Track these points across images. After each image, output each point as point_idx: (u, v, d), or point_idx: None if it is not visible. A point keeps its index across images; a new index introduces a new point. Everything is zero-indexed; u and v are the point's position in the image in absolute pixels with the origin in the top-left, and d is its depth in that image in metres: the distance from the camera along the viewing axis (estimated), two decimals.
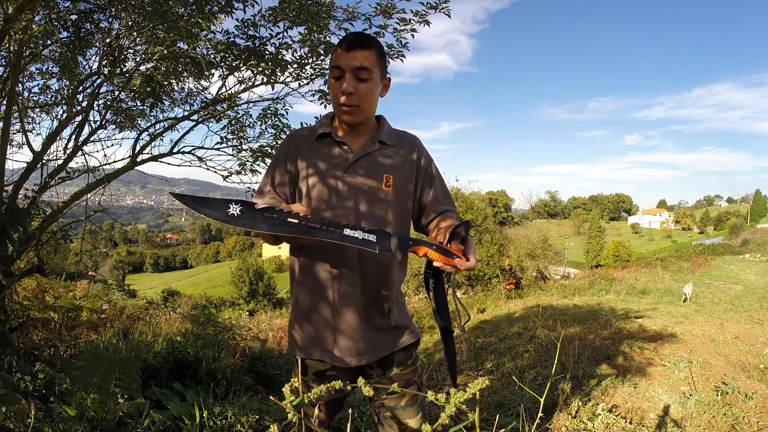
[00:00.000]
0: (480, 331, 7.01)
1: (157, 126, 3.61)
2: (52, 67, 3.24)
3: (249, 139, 3.83)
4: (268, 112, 3.69)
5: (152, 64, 3.19)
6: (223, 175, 3.84)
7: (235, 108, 3.74)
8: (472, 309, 11.15)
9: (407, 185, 1.28)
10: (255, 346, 4.65)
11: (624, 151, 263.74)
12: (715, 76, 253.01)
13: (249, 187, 3.83)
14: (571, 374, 3.43)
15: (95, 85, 3.28)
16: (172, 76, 3.26)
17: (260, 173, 3.80)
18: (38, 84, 3.33)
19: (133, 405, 2.18)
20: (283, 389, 0.64)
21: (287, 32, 3.13)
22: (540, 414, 1.19)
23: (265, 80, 3.39)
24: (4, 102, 2.66)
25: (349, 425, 0.82)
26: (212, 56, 3.23)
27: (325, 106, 3.55)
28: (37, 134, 4.90)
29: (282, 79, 3.43)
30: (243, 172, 3.81)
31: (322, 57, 3.25)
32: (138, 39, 3.04)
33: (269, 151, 3.72)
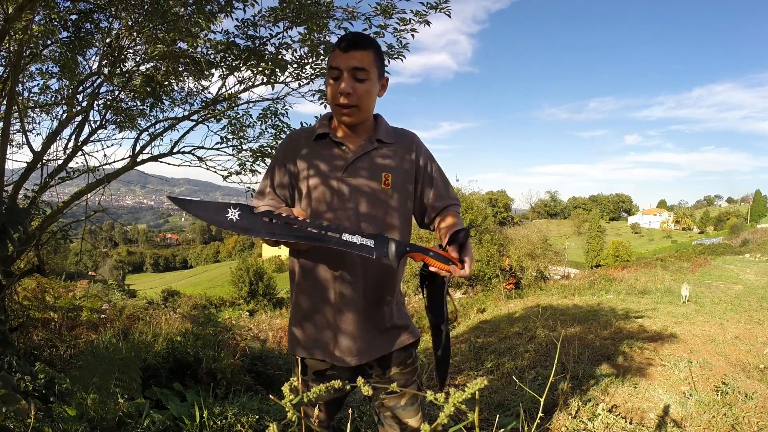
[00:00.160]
0: (480, 331, 7.01)
1: (157, 126, 3.61)
2: (52, 67, 3.24)
3: (249, 139, 3.83)
4: (268, 112, 3.68)
5: (152, 64, 3.19)
6: (223, 175, 3.84)
7: (235, 108, 3.74)
8: (472, 309, 11.15)
9: (406, 184, 1.28)
10: (255, 346, 4.65)
11: (624, 151, 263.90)
12: (715, 76, 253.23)
13: (249, 187, 3.83)
14: (571, 374, 3.43)
15: (95, 85, 3.28)
16: (172, 76, 3.26)
17: (260, 173, 3.80)
18: (38, 84, 3.34)
19: (133, 405, 2.18)
20: (282, 388, 0.64)
21: (287, 32, 3.13)
22: (540, 414, 1.19)
23: (265, 80, 3.39)
24: (4, 102, 2.66)
25: (349, 425, 0.82)
26: (212, 56, 3.23)
27: (325, 106, 3.55)
28: (37, 134, 4.89)
29: (282, 79, 3.43)
30: (243, 172, 3.81)
31: (322, 57, 3.25)
32: (138, 39, 3.03)
33: (269, 151, 3.72)
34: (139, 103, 3.46)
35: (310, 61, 3.33)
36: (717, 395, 3.00)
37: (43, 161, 2.99)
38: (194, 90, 3.59)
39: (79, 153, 3.22)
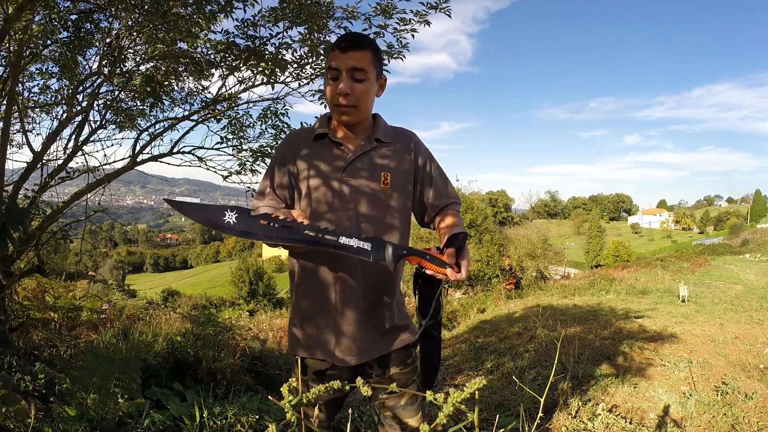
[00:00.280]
0: (480, 331, 7.01)
1: (157, 126, 3.61)
2: (52, 67, 3.24)
3: (249, 139, 3.83)
4: (268, 112, 3.68)
5: (152, 64, 3.19)
6: (223, 175, 3.84)
7: (235, 108, 3.74)
8: (472, 309, 11.15)
9: (405, 184, 1.28)
10: (255, 346, 4.65)
11: (624, 151, 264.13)
12: (715, 76, 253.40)
13: (249, 187, 3.83)
14: (571, 374, 3.43)
15: (95, 85, 3.28)
16: (172, 76, 3.26)
17: (260, 173, 3.80)
18: (38, 84, 3.34)
19: (133, 405, 2.18)
20: (281, 389, 0.64)
21: (287, 32, 3.13)
22: (540, 414, 1.19)
23: (265, 80, 3.39)
24: (4, 102, 2.66)
25: (349, 425, 0.82)
26: (212, 56, 3.23)
27: (325, 106, 3.55)
28: (37, 134, 4.89)
29: (282, 79, 3.43)
30: (243, 172, 3.81)
31: (322, 57, 3.25)
32: (138, 39, 3.03)
33: (269, 151, 3.72)
34: (139, 103, 3.46)
35: (310, 61, 3.33)
36: (717, 395, 3.00)
37: (43, 161, 2.99)
38: (194, 90, 3.59)
39: (79, 153, 3.22)
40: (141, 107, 3.50)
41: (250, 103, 3.72)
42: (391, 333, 1.28)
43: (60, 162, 3.11)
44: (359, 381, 0.69)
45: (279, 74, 3.33)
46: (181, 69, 3.23)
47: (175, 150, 3.63)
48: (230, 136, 3.81)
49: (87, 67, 3.24)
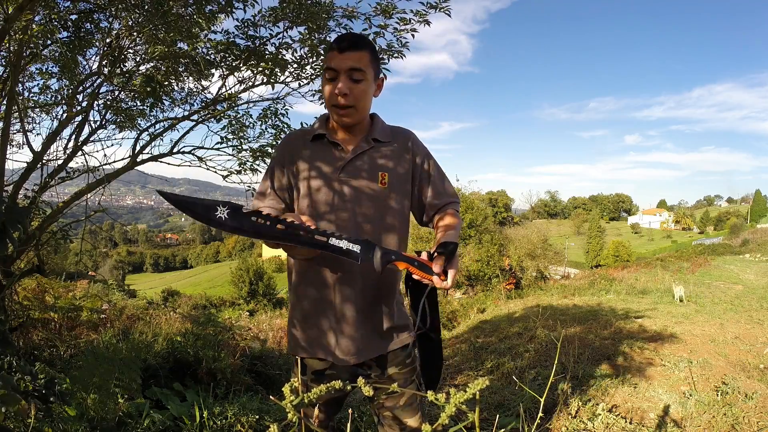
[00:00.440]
0: (480, 331, 7.01)
1: (157, 126, 3.61)
2: (52, 67, 3.23)
3: (249, 139, 3.83)
4: (268, 112, 3.68)
5: (152, 64, 3.18)
6: (222, 175, 3.84)
7: (235, 108, 3.74)
8: (472, 309, 11.15)
9: (403, 183, 1.28)
10: (255, 346, 4.64)
11: (624, 151, 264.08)
12: (715, 76, 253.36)
13: (249, 187, 3.83)
14: (571, 374, 3.43)
15: (95, 85, 3.28)
16: (172, 76, 3.26)
17: (260, 172, 3.80)
18: (38, 84, 3.33)
19: (133, 405, 2.17)
20: (283, 389, 0.64)
21: (287, 32, 3.12)
22: (540, 414, 1.19)
23: (265, 80, 3.39)
24: (4, 102, 2.65)
25: (349, 425, 0.82)
26: (212, 56, 3.23)
27: (325, 106, 3.54)
28: (37, 134, 4.87)
29: (282, 79, 3.42)
30: (243, 172, 3.80)
31: (322, 57, 3.25)
32: (138, 39, 3.03)
33: (269, 150, 3.72)
34: (139, 103, 3.46)
35: (311, 61, 3.33)
36: (717, 395, 3.00)
37: (43, 161, 2.98)
38: (194, 90, 3.59)
39: (79, 153, 3.22)
40: (141, 107, 3.50)
41: (250, 103, 3.72)
42: (390, 333, 1.28)
43: (60, 162, 3.11)
44: (360, 381, 0.69)
45: (279, 74, 3.33)
46: (181, 69, 3.23)
47: (175, 150, 3.63)
48: (230, 136, 3.81)
49: (87, 67, 3.24)
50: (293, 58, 3.29)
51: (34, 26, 2.54)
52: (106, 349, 2.25)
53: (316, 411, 1.06)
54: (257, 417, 2.41)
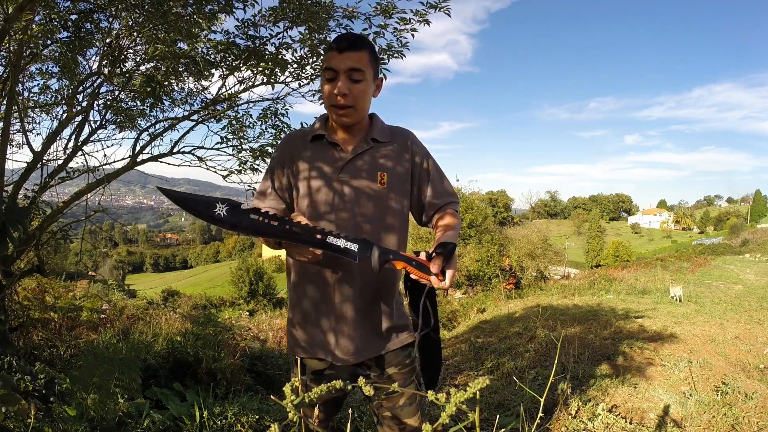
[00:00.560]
0: (480, 331, 7.01)
1: (157, 126, 3.61)
2: (52, 67, 3.24)
3: (249, 139, 3.83)
4: (268, 112, 3.68)
5: (152, 64, 3.18)
6: (222, 175, 3.84)
7: (235, 108, 3.74)
8: (472, 309, 11.15)
9: (402, 183, 1.28)
10: (255, 346, 4.65)
11: (624, 151, 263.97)
12: (715, 76, 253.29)
13: (249, 186, 3.83)
14: (571, 374, 3.43)
15: (95, 85, 3.28)
16: (172, 76, 3.26)
17: (260, 172, 3.80)
18: (38, 84, 3.34)
19: (133, 405, 2.18)
20: (283, 389, 0.64)
21: (287, 32, 3.13)
22: (540, 414, 1.19)
23: (265, 80, 3.39)
24: (4, 102, 2.65)
25: (349, 425, 0.82)
26: (212, 56, 3.23)
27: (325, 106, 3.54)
28: (37, 134, 4.87)
29: (282, 79, 3.42)
30: (243, 172, 3.81)
31: (322, 57, 3.25)
32: (138, 39, 3.03)
33: (269, 150, 3.72)
34: (139, 103, 3.46)
35: (311, 61, 3.33)
36: (717, 395, 3.00)
37: (43, 161, 2.99)
38: (194, 90, 3.59)
39: (79, 153, 3.22)
40: (141, 107, 3.50)
41: (250, 103, 3.72)
42: (389, 333, 1.28)
43: (60, 162, 3.11)
44: (361, 380, 0.69)
45: (279, 74, 3.33)
46: (181, 69, 3.23)
47: (175, 150, 3.63)
48: (230, 136, 3.81)
49: (87, 67, 3.24)
50: (293, 58, 3.29)
51: (34, 26, 2.54)
52: (106, 349, 2.25)
53: (316, 411, 1.06)
54: (257, 417, 2.41)
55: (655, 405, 2.90)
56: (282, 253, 1.34)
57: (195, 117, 3.64)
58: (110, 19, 2.99)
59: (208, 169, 3.82)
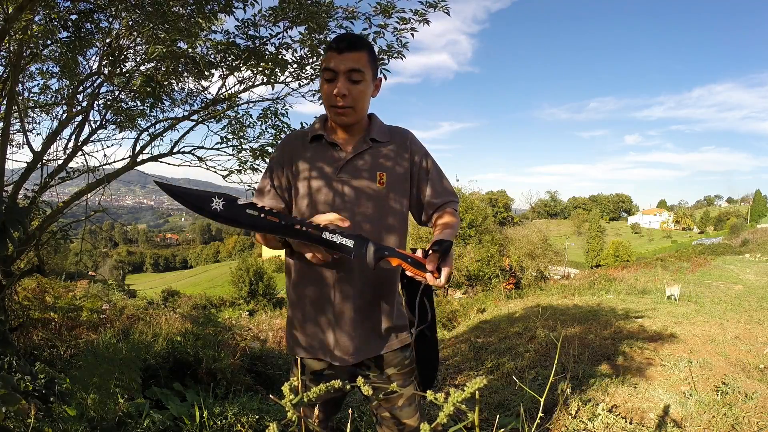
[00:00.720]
0: (480, 331, 7.01)
1: (157, 126, 3.61)
2: (52, 67, 3.24)
3: (249, 139, 3.83)
4: (268, 112, 3.68)
5: (152, 64, 3.18)
6: (222, 175, 3.84)
7: (235, 108, 3.74)
8: (472, 309, 11.15)
9: (402, 183, 1.28)
10: (255, 346, 4.65)
11: (624, 151, 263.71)
12: (716, 76, 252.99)
13: (249, 186, 3.83)
14: (571, 374, 3.43)
15: (95, 85, 3.28)
16: (172, 76, 3.26)
17: (260, 172, 3.80)
18: (38, 84, 3.34)
19: (133, 405, 2.18)
20: (282, 388, 0.64)
21: (287, 32, 3.13)
22: (540, 414, 1.19)
23: (265, 80, 3.39)
24: (4, 102, 2.65)
25: (349, 425, 0.82)
26: (212, 56, 3.23)
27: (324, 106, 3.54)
28: (37, 134, 4.89)
29: (282, 79, 3.42)
30: (243, 172, 3.81)
31: (321, 57, 3.25)
32: (138, 39, 3.03)
33: (269, 150, 3.72)
34: (139, 103, 3.46)
35: (311, 61, 3.33)
36: (717, 395, 3.00)
37: (43, 161, 2.99)
38: (194, 90, 3.59)
39: (79, 153, 3.22)
40: (141, 107, 3.50)
41: (250, 103, 3.72)
42: (389, 333, 1.28)
43: (60, 162, 3.11)
44: (360, 380, 0.69)
45: (279, 74, 3.33)
46: (181, 69, 3.23)
47: (175, 150, 3.63)
48: (230, 136, 3.81)
49: (87, 67, 3.25)
50: (293, 58, 3.29)
51: (34, 26, 2.54)
52: (106, 349, 2.24)
53: (316, 411, 1.06)
54: (257, 417, 2.41)
55: (655, 405, 2.90)
56: (282, 254, 1.34)
57: (195, 117, 3.64)
58: (110, 19, 2.99)
59: (208, 169, 3.82)
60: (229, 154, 3.82)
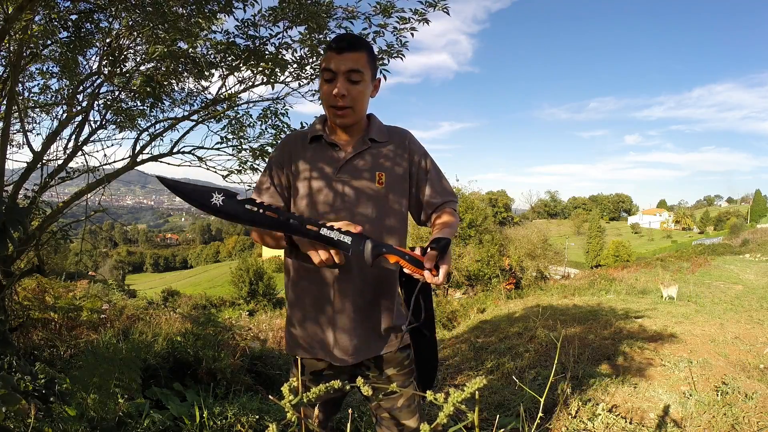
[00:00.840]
0: (480, 331, 7.01)
1: (157, 126, 3.61)
2: (52, 67, 3.24)
3: (249, 139, 3.83)
4: (268, 112, 3.68)
5: (152, 64, 3.18)
6: (222, 175, 3.84)
7: (235, 108, 3.74)
8: (472, 309, 11.15)
9: (401, 182, 1.28)
10: (255, 346, 4.64)
11: (624, 151, 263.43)
12: (716, 76, 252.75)
13: (249, 186, 3.83)
14: (571, 374, 3.43)
15: (95, 85, 3.28)
16: (172, 76, 3.26)
17: (260, 171, 3.79)
18: (38, 84, 3.34)
19: (133, 405, 2.18)
20: (282, 389, 0.64)
21: (287, 32, 3.13)
22: (540, 414, 1.19)
23: (265, 80, 3.39)
24: (4, 102, 2.66)
25: (349, 425, 0.82)
26: (212, 56, 3.23)
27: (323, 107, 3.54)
28: (37, 134, 4.90)
29: (282, 79, 3.42)
30: (243, 172, 3.81)
31: (321, 57, 3.25)
32: (138, 39, 3.04)
33: (269, 150, 3.73)
34: (139, 103, 3.46)
35: (311, 61, 3.33)
36: (717, 395, 3.00)
37: (43, 161, 2.99)
38: (194, 90, 3.59)
39: (79, 153, 3.22)
40: (141, 107, 3.50)
41: (250, 103, 3.72)
42: (388, 333, 1.28)
43: (60, 162, 3.11)
44: (360, 381, 0.69)
45: (279, 74, 3.33)
46: (181, 69, 3.23)
47: (175, 150, 3.63)
48: (230, 136, 3.81)
49: (87, 67, 3.25)
50: (293, 58, 3.29)
51: (34, 26, 2.54)
52: (106, 349, 2.24)
53: (316, 411, 1.06)
54: (257, 417, 2.41)
55: (655, 405, 2.90)
56: (282, 253, 1.34)
57: (195, 117, 3.64)
58: (110, 19, 3.00)
59: (208, 169, 3.82)
60: (229, 154, 3.82)
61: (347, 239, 1.07)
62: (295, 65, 3.33)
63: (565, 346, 4.31)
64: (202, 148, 3.72)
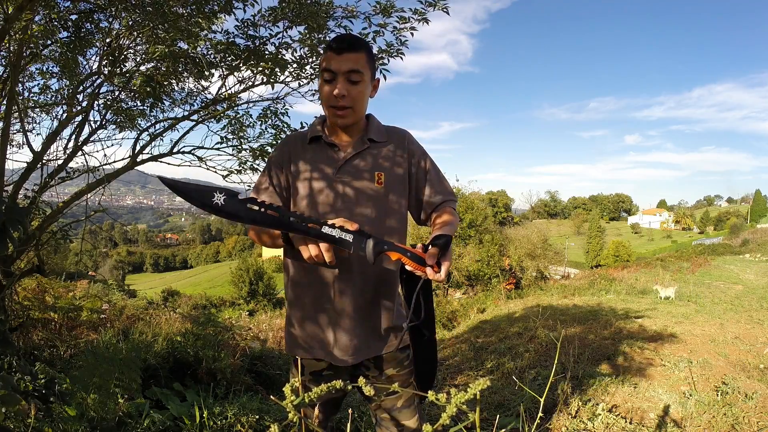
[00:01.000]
0: (480, 331, 7.01)
1: (157, 126, 3.61)
2: (52, 67, 3.24)
3: (249, 139, 3.83)
4: (268, 111, 3.68)
5: (152, 64, 3.18)
6: (222, 175, 3.84)
7: (235, 108, 3.74)
8: (472, 309, 11.16)
9: (400, 183, 1.28)
10: (255, 346, 4.64)
11: (624, 151, 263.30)
12: (716, 76, 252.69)
13: (249, 186, 3.83)
14: (571, 374, 3.43)
15: (95, 85, 3.28)
16: (172, 76, 3.26)
17: (260, 171, 3.79)
18: (38, 84, 3.34)
19: (133, 405, 2.18)
20: (283, 389, 0.64)
21: (287, 32, 3.13)
22: (540, 414, 1.19)
23: (265, 80, 3.39)
24: (4, 102, 2.65)
25: (349, 425, 0.82)
26: (212, 56, 3.23)
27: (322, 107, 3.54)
28: (37, 134, 4.90)
29: (282, 78, 3.42)
30: (243, 172, 3.81)
31: (321, 57, 3.25)
32: (138, 39, 3.04)
33: (269, 150, 3.72)
34: (139, 103, 3.46)
35: (310, 61, 3.33)
36: (717, 395, 3.00)
37: (43, 161, 2.99)
38: (194, 90, 3.59)
39: (79, 153, 3.22)
40: (141, 107, 3.50)
41: (250, 103, 3.72)
42: (389, 333, 1.28)
43: (60, 162, 3.11)
44: (361, 380, 0.69)
45: (279, 74, 3.33)
46: (181, 69, 3.23)
47: (175, 150, 3.63)
48: (230, 136, 3.81)
49: (87, 67, 3.25)
50: (293, 58, 3.29)
51: (34, 26, 2.54)
52: (106, 349, 2.24)
53: (316, 411, 1.06)
54: (257, 417, 2.41)
55: (655, 405, 2.90)
56: (281, 253, 1.34)
57: (195, 117, 3.64)
58: (110, 19, 2.99)
59: (208, 169, 3.82)
60: (229, 154, 3.82)
61: (349, 237, 1.07)
62: (294, 65, 3.33)
63: (565, 346, 4.31)
64: (202, 148, 3.72)
